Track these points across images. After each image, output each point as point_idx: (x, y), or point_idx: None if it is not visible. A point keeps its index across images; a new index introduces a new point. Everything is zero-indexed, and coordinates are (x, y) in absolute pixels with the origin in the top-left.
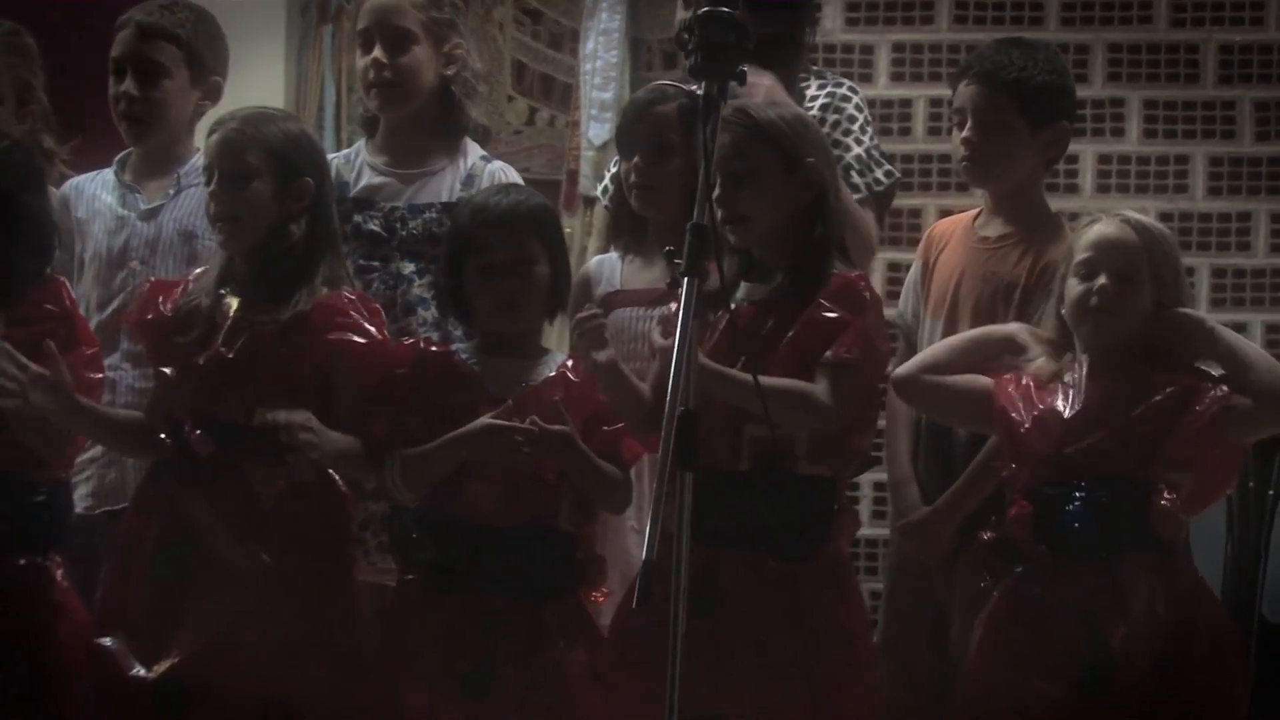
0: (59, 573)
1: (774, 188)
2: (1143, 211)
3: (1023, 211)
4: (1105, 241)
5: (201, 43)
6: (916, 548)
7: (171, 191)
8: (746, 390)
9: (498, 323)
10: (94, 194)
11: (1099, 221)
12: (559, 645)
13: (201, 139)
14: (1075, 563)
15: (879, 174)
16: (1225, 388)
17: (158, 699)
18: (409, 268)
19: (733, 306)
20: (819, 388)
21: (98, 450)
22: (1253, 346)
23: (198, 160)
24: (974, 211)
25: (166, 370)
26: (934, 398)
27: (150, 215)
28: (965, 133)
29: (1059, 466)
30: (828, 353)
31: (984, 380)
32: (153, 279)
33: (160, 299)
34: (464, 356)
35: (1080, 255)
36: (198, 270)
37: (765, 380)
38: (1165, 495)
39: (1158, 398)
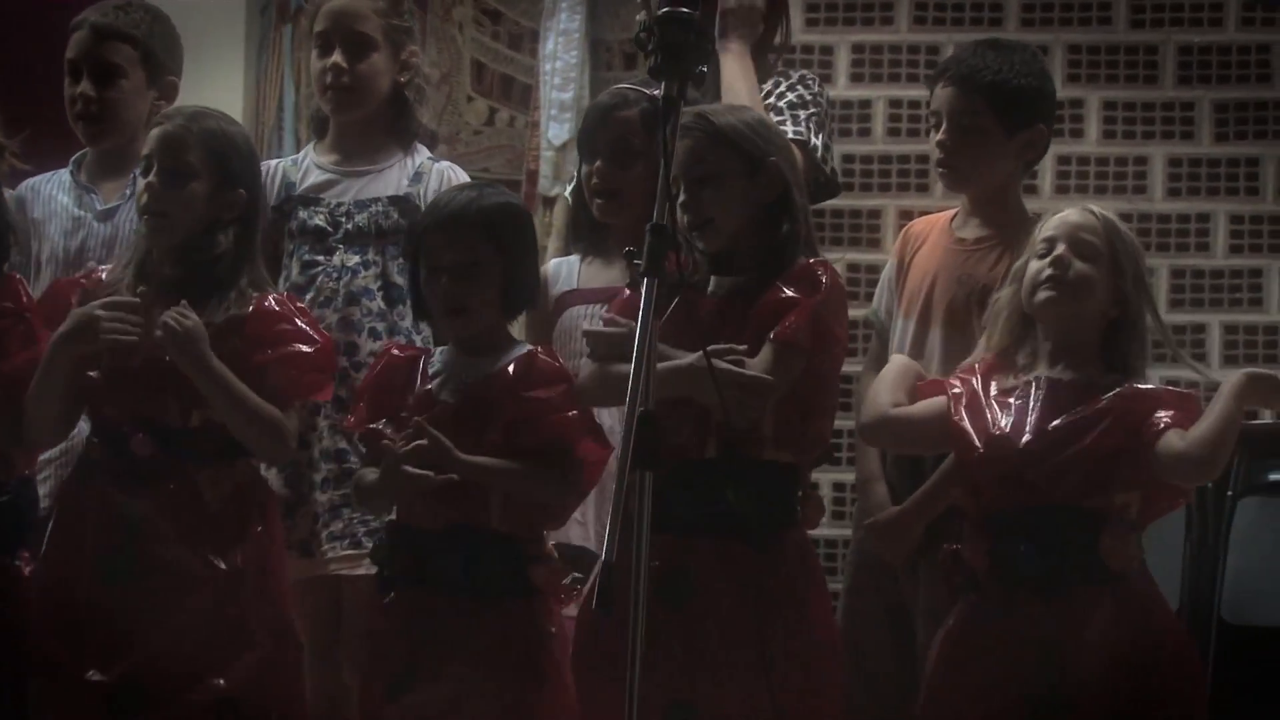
0: (27, 570)
1: (737, 190)
2: None
3: (1000, 214)
4: (1066, 223)
5: (157, 42)
6: (883, 547)
7: (128, 192)
8: (691, 377)
9: (448, 325)
10: (50, 195)
11: (1061, 211)
12: (498, 648)
13: None
14: (1028, 595)
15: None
16: (1167, 417)
17: (113, 701)
18: (353, 259)
19: (699, 299)
20: (756, 360)
21: (55, 451)
22: (1224, 415)
23: None
24: (951, 212)
25: (92, 373)
26: (901, 433)
27: (107, 216)
28: (940, 136)
29: (1010, 494)
30: (775, 329)
31: (939, 401)
32: (58, 280)
33: (70, 300)
34: (434, 356)
35: (1041, 237)
36: (101, 267)
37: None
38: (1115, 528)
39: (1105, 423)
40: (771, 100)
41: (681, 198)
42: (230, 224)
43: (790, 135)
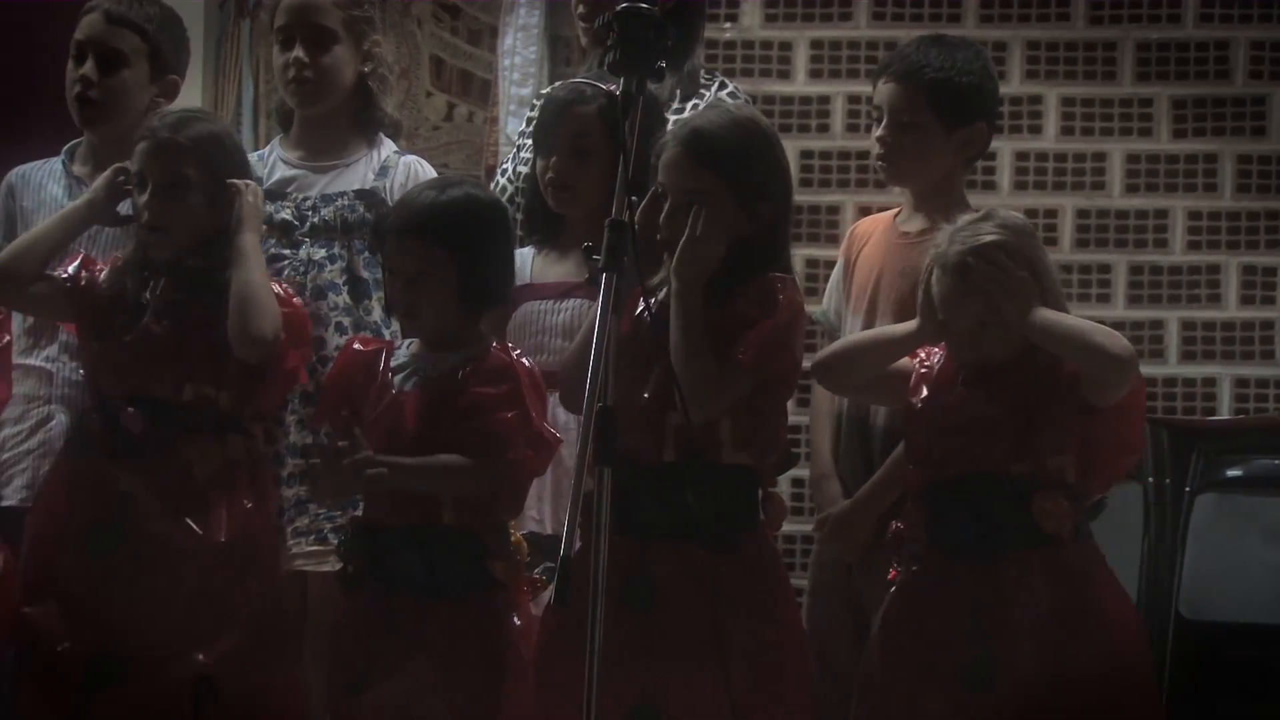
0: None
1: (726, 219)
2: (1059, 210)
3: (942, 207)
4: (946, 273)
5: (164, 39)
6: (835, 542)
7: None
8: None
9: (403, 326)
10: (40, 184)
11: (946, 241)
12: (460, 643)
13: None
14: (964, 563)
15: None
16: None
17: (89, 672)
18: (319, 253)
19: (654, 300)
20: None
21: (34, 442)
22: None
23: None
24: (895, 209)
25: (95, 344)
26: (854, 361)
27: None
28: (880, 131)
29: (946, 462)
30: (728, 349)
31: (907, 363)
32: (82, 252)
33: (94, 268)
34: (399, 348)
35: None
36: (116, 253)
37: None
38: (1048, 490)
39: (1023, 387)
40: None
41: (665, 213)
42: (229, 222)
43: None
